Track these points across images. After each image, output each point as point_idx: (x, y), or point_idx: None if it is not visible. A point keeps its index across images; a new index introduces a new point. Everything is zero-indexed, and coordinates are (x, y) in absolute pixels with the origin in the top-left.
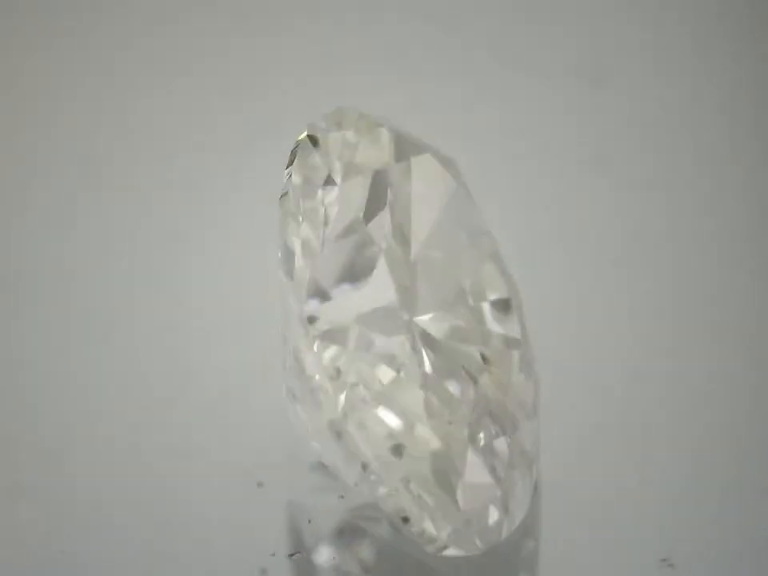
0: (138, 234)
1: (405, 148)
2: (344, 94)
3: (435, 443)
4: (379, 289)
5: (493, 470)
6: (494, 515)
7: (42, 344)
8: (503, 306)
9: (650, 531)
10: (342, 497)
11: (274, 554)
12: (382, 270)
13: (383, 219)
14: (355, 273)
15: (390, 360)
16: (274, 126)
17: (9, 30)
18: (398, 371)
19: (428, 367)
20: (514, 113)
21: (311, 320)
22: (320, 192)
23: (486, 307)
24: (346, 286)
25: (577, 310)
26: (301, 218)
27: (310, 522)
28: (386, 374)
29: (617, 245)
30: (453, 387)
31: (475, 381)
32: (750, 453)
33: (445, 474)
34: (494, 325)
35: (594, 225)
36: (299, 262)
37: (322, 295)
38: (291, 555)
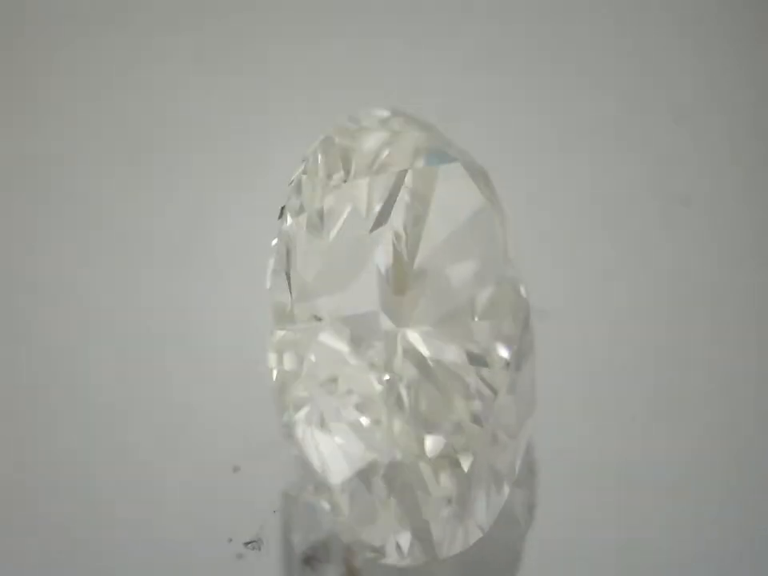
0: (139, 236)
1: (438, 155)
2: (344, 95)
3: (397, 455)
4: (363, 293)
5: (452, 484)
6: (448, 529)
7: (40, 343)
8: (507, 328)
9: (650, 531)
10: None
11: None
12: (370, 274)
13: (393, 223)
14: (347, 273)
15: (372, 371)
16: (274, 127)
17: (10, 30)
18: (380, 383)
19: (405, 386)
20: (513, 113)
21: (301, 317)
22: (332, 186)
23: (489, 327)
24: (334, 287)
25: (576, 310)
26: (306, 212)
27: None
28: (367, 383)
29: (616, 245)
30: (432, 412)
31: (459, 405)
32: (750, 453)
33: (405, 485)
34: (494, 345)
35: (594, 225)
36: (297, 255)
37: (311, 294)
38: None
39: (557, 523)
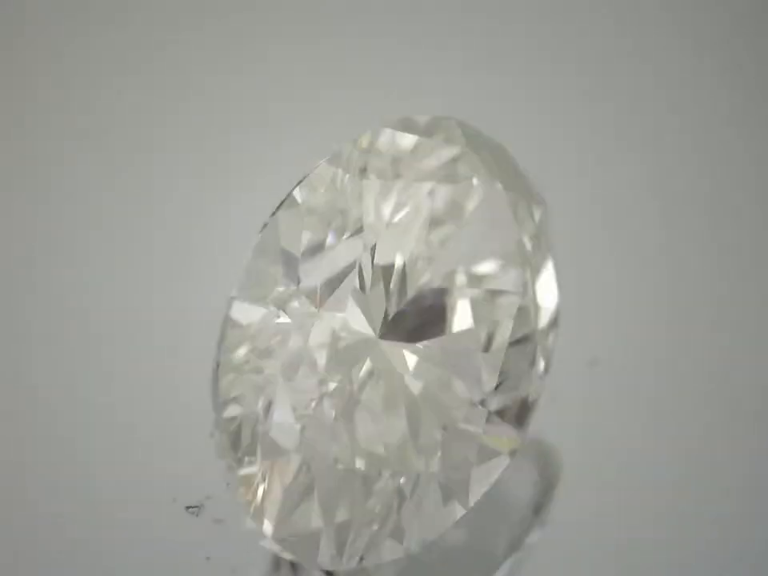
0: (139, 236)
1: (486, 175)
2: (344, 95)
3: (331, 457)
4: (342, 299)
5: (379, 497)
6: (366, 537)
7: (40, 343)
8: (505, 365)
9: (650, 531)
10: None
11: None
12: (357, 283)
13: (408, 235)
14: (338, 277)
15: (339, 375)
16: (274, 127)
17: (10, 30)
18: (342, 389)
19: (367, 400)
20: (513, 113)
21: (293, 304)
22: (363, 183)
23: (485, 361)
24: (336, 287)
25: (577, 310)
26: (332, 206)
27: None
28: (329, 385)
29: (616, 244)
30: (389, 431)
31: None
32: (750, 453)
33: (331, 484)
34: (484, 379)
35: (594, 225)
36: (303, 254)
37: (313, 286)
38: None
39: (556, 523)
